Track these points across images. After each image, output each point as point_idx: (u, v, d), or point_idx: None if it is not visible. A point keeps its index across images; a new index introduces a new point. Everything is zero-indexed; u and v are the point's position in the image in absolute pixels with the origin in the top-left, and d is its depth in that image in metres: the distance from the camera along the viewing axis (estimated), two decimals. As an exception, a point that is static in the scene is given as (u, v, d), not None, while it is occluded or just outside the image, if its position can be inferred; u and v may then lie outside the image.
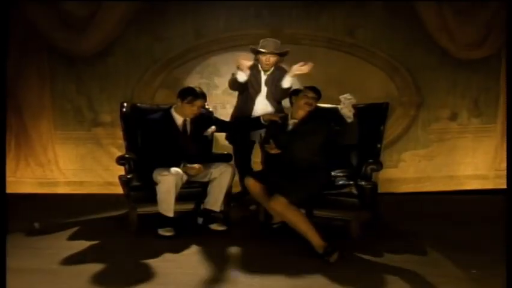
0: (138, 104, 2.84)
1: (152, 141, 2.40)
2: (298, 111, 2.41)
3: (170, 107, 2.51)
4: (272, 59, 2.82)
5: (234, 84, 2.85)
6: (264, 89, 2.87)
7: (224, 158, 2.66)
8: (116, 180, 2.48)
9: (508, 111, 2.52)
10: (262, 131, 2.61)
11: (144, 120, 2.45)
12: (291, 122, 2.43)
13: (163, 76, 3.49)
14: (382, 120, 2.57)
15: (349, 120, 2.22)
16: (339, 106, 2.26)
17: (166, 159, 2.37)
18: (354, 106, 2.22)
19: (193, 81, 3.44)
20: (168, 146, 2.40)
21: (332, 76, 3.31)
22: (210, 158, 2.56)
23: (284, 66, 2.89)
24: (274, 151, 2.36)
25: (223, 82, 3.11)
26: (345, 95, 2.20)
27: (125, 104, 2.75)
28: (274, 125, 2.50)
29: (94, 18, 3.39)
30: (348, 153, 2.58)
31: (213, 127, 2.55)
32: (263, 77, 2.87)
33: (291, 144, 2.35)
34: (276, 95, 2.87)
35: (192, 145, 2.47)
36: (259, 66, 2.87)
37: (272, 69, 2.86)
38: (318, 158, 2.35)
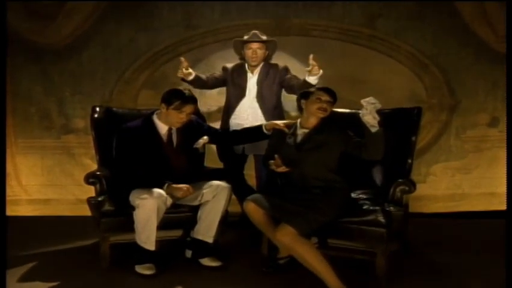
0: (114, 109, 2.66)
1: (129, 155, 2.21)
2: (310, 119, 2.23)
3: (153, 113, 2.32)
4: (259, 51, 2.70)
5: (199, 81, 2.72)
6: (252, 91, 2.71)
7: (219, 175, 2.46)
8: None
9: (508, 114, 2.47)
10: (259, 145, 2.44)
11: (120, 130, 2.26)
12: (301, 132, 2.24)
13: (147, 74, 3.39)
14: (413, 130, 2.37)
15: (373, 130, 2.06)
16: (360, 112, 2.08)
17: (147, 178, 2.20)
18: (379, 112, 2.07)
19: None
20: (149, 162, 2.22)
21: (347, 74, 3.22)
22: (201, 175, 2.36)
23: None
24: (282, 169, 2.16)
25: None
26: (367, 99, 2.04)
27: (97, 109, 2.58)
28: (280, 136, 2.30)
29: (65, 4, 3.30)
30: (370, 170, 2.39)
31: (205, 137, 2.35)
32: (250, 78, 2.73)
33: (301, 160, 2.18)
34: (273, 95, 2.70)
35: (178, 160, 2.28)
36: (246, 66, 2.76)
37: (261, 65, 2.74)
38: (335, 177, 2.19)
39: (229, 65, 2.81)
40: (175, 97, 2.18)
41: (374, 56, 3.30)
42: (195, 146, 2.31)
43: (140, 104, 3.28)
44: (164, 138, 2.26)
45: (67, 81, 3.36)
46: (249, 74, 2.74)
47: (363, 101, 2.04)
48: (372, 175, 2.37)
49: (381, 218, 2.06)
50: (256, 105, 2.64)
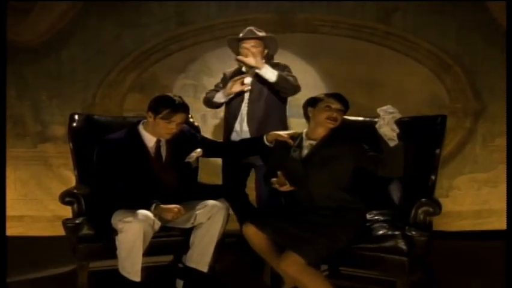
0: (95, 116, 2.59)
1: (111, 171, 2.13)
2: (318, 129, 2.16)
3: (138, 123, 2.24)
4: (255, 50, 2.58)
5: (211, 104, 2.69)
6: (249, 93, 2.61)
7: (215, 192, 2.38)
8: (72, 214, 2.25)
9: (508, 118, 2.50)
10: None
11: (101, 143, 2.18)
12: (307, 144, 2.17)
13: (134, 75, 3.34)
14: (437, 141, 2.28)
15: (391, 144, 1.98)
16: (377, 122, 2.00)
17: (131, 198, 2.11)
18: (398, 122, 1.99)
19: (175, 82, 3.33)
20: (134, 179, 2.14)
21: (359, 76, 3.20)
22: (194, 193, 2.28)
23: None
24: (286, 188, 2.07)
25: (215, 83, 2.91)
26: (384, 108, 1.98)
27: (76, 117, 2.48)
28: (283, 149, 2.21)
29: (40, -4, 3.32)
30: (387, 187, 2.31)
31: (198, 150, 2.27)
32: (247, 79, 2.64)
33: (308, 177, 2.10)
34: (274, 101, 2.60)
35: (168, 176, 2.20)
36: (244, 69, 2.67)
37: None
38: (347, 196, 2.11)
39: (228, 71, 2.73)
40: (164, 105, 2.10)
41: (390, 55, 3.26)
42: (186, 160, 2.25)
43: (126, 110, 3.25)
44: (152, 151, 2.19)
45: (43, 83, 3.31)
46: (248, 78, 2.64)
47: (379, 110, 1.97)
48: (390, 193, 2.30)
49: (402, 245, 1.98)
50: (255, 106, 2.55)
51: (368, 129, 2.09)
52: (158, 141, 2.19)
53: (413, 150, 2.12)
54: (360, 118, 2.41)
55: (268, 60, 2.64)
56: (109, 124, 2.45)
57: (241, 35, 2.64)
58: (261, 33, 2.62)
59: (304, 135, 2.19)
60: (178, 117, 2.11)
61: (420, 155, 2.22)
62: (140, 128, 2.19)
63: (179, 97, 2.16)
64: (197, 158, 2.29)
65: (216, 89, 2.70)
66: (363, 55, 3.23)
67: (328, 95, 2.16)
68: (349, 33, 3.25)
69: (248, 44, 2.57)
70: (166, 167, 2.19)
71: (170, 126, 2.11)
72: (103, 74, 3.30)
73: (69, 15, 3.25)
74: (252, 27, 2.64)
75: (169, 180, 2.18)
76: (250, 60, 2.51)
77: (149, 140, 2.17)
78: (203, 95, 3.01)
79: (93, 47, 3.28)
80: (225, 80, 2.68)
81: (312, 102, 2.17)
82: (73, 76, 3.29)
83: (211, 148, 2.32)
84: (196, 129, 2.49)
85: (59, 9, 3.24)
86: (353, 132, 2.18)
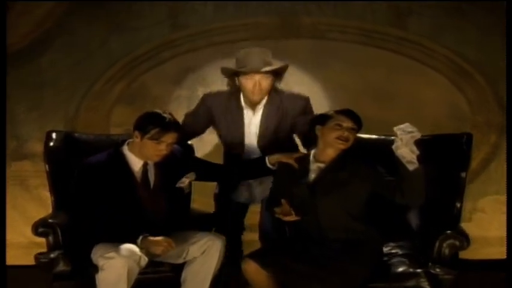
0: (76, 134, 2.52)
1: (91, 200, 2.05)
2: (327, 150, 2.08)
3: (123, 143, 2.15)
4: (265, 82, 2.19)
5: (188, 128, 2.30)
6: (252, 134, 2.27)
7: (210, 222, 2.32)
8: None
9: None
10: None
11: (80, 168, 2.11)
12: (315, 168, 2.09)
13: (123, 85, 3.31)
14: (463, 163, 2.21)
15: (411, 167, 1.92)
16: (394, 142, 1.94)
17: (115, 229, 2.02)
18: (417, 142, 1.93)
19: (168, 93, 3.30)
20: (118, 208, 2.05)
21: (371, 86, 3.17)
22: (186, 223, 2.20)
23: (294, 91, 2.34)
24: (291, 218, 1.98)
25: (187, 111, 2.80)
26: (402, 126, 1.92)
27: (53, 135, 2.40)
28: (288, 173, 2.14)
29: (17, -5, 3.35)
30: (406, 215, 2.24)
31: (191, 174, 2.18)
32: (250, 118, 2.27)
33: (316, 205, 2.03)
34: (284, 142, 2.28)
35: (156, 204, 2.12)
36: (241, 98, 2.25)
37: (266, 98, 2.25)
38: (361, 226, 2.04)
39: (212, 96, 2.30)
40: (152, 123, 2.01)
41: (405, 63, 3.23)
42: (178, 185, 2.15)
43: (114, 124, 3.21)
44: (138, 176, 2.10)
45: (20, 93, 3.27)
46: (247, 112, 2.26)
47: (396, 129, 1.91)
48: (409, 223, 2.23)
49: (425, 285, 1.92)
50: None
51: (383, 149, 2.04)
52: (145, 165, 2.10)
53: (435, 173, 2.10)
54: (374, 136, 2.34)
55: (276, 89, 2.24)
56: (90, 143, 2.38)
57: (240, 54, 2.18)
58: (272, 65, 2.16)
59: (311, 157, 2.11)
60: (169, 137, 2.02)
61: (444, 179, 2.17)
62: (125, 149, 2.10)
63: (170, 114, 2.07)
64: (190, 183, 2.19)
65: (193, 120, 2.32)
66: (375, 64, 3.20)
67: (338, 112, 2.08)
68: (359, 39, 3.21)
69: (256, 76, 2.15)
70: (155, 193, 2.10)
71: (159, 147, 2.02)
72: (87, 84, 3.28)
73: (51, 17, 3.25)
74: (258, 50, 2.20)
75: (158, 208, 2.09)
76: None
77: (136, 163, 2.09)
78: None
79: (77, 53, 3.25)
80: (206, 107, 2.30)
81: (320, 120, 2.09)
82: (55, 86, 3.26)
83: (206, 171, 2.24)
84: (189, 149, 2.40)
85: (41, 11, 3.23)
86: (366, 153, 2.11)
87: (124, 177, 2.06)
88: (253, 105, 2.26)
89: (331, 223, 2.00)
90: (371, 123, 2.32)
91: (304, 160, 2.12)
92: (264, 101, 2.25)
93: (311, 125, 2.11)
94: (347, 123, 2.04)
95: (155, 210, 2.08)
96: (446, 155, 2.20)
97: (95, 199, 2.02)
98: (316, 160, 2.09)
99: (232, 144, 2.31)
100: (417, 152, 1.90)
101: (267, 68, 2.18)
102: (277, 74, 2.24)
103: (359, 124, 2.06)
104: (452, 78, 3.25)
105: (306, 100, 2.29)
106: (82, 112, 3.28)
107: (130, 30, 3.25)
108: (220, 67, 2.29)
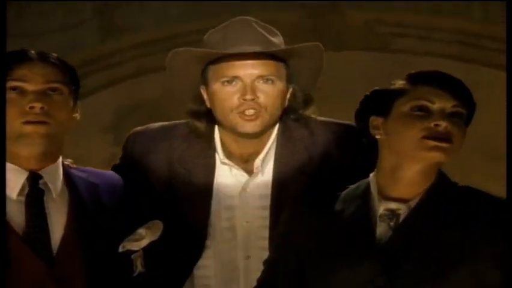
0: None
1: None
2: (406, 171, 1.15)
3: None
4: (267, 87, 1.19)
5: None
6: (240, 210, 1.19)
7: None
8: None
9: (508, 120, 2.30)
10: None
11: None
12: (386, 211, 1.18)
13: None
14: None
15: None
16: None
17: None
18: None
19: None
20: None
21: (475, 136, 2.53)
22: None
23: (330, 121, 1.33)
24: None
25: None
26: None
27: None
28: (315, 219, 1.15)
29: None
30: None
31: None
32: (232, 180, 1.25)
33: None
34: None
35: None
36: (216, 138, 1.24)
37: (274, 133, 1.25)
38: None
39: (146, 135, 1.26)
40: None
41: None
42: (121, 249, 1.47)
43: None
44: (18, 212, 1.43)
45: None
46: (228, 170, 1.20)
47: None
48: None
49: None
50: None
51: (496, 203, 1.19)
52: (33, 177, 1.25)
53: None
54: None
55: (294, 111, 1.23)
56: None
57: (210, 33, 1.20)
58: (275, 39, 1.20)
59: (373, 190, 1.12)
60: (21, 72, 1.19)
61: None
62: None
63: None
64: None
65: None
66: (479, 92, 2.20)
67: (416, 79, 1.09)
68: (452, 52, 2.30)
69: (247, 69, 1.16)
70: (65, 252, 1.27)
71: (21, 103, 1.18)
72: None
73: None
74: (243, 18, 1.21)
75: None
76: None
77: (12, 180, 1.25)
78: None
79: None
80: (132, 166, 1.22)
81: (378, 102, 1.11)
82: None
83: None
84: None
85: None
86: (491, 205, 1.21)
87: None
88: (240, 151, 1.18)
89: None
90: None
91: (355, 197, 1.10)
92: (273, 135, 1.20)
93: (360, 118, 1.12)
94: (441, 101, 1.06)
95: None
96: None
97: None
98: (384, 196, 1.11)
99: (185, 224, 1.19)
100: None
101: (259, 47, 1.17)
102: (291, 77, 1.20)
103: (466, 101, 1.05)
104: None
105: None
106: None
107: (35, 35, 2.56)
108: (167, 58, 1.21)
